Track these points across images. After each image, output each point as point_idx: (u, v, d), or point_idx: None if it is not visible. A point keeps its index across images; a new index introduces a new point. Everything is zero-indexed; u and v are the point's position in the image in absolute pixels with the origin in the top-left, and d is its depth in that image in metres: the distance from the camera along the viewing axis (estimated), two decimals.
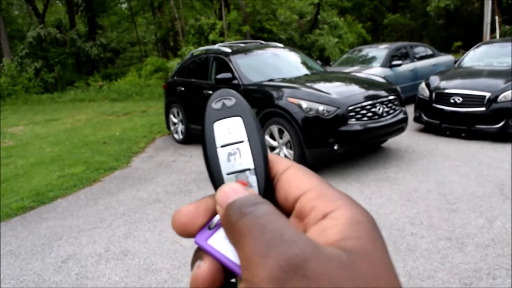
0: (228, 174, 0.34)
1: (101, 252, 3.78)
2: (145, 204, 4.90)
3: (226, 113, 0.36)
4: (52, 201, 5.31)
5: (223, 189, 0.32)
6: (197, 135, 7.50)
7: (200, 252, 0.32)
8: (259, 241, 0.26)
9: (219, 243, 0.31)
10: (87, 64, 23.18)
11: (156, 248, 3.76)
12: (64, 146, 8.42)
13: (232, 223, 0.28)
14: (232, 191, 0.31)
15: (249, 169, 0.34)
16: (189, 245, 3.76)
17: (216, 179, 0.34)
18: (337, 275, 0.24)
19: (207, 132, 0.35)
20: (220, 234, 0.32)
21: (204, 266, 0.30)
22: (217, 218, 0.33)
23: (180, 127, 7.84)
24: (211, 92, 6.76)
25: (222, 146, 0.35)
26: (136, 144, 8.00)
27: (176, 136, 8.02)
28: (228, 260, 0.30)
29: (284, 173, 0.34)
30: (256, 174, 0.34)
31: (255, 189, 0.34)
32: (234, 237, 0.28)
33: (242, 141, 0.35)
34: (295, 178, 0.33)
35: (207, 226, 0.33)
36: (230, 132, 0.35)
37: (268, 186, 0.34)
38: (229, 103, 0.36)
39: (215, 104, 0.36)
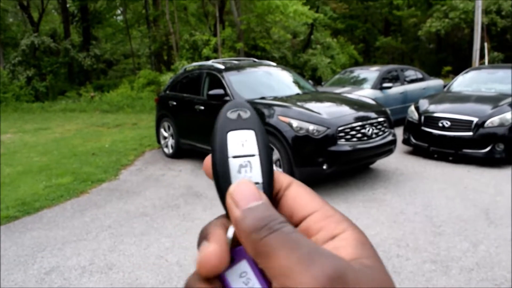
0: None
1: (85, 265, 3.74)
2: (132, 217, 4.87)
3: (241, 124, 0.36)
4: (38, 211, 5.25)
5: (240, 185, 0.33)
6: (187, 150, 7.50)
7: (206, 232, 0.33)
8: (298, 253, 0.28)
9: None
10: (80, 74, 23.13)
11: (141, 263, 3.73)
12: (53, 156, 8.36)
13: (260, 238, 0.29)
14: (250, 192, 0.32)
15: (257, 183, 0.34)
16: (175, 260, 3.74)
17: (225, 189, 0.34)
18: (370, 283, 0.28)
19: (220, 141, 0.35)
20: (239, 268, 0.32)
21: (213, 247, 0.32)
22: (229, 234, 0.33)
23: (171, 141, 7.84)
24: (202, 107, 6.79)
25: (234, 157, 0.35)
26: (126, 156, 7.97)
27: (166, 150, 8.01)
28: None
29: (288, 189, 0.35)
30: (264, 188, 0.34)
31: None
32: (262, 250, 0.29)
33: (253, 155, 0.35)
34: (300, 197, 0.35)
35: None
36: (243, 145, 0.35)
37: (272, 200, 0.34)
38: (244, 115, 0.36)
39: (230, 114, 0.36)
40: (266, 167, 0.35)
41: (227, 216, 0.34)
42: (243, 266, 0.32)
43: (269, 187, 0.35)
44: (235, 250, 0.33)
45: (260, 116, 5.60)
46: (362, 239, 0.31)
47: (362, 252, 0.30)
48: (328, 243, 0.31)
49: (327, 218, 0.33)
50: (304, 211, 0.34)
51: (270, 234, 0.29)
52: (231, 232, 0.33)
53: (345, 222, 0.32)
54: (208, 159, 0.36)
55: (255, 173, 0.34)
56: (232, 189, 0.33)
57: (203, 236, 0.33)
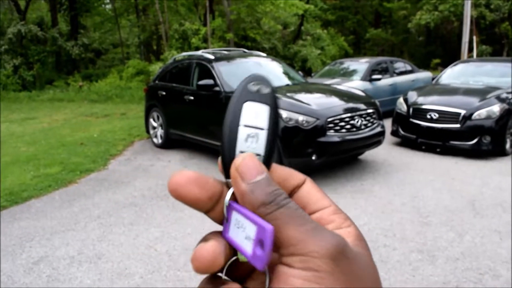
0: (241, 152, 0.36)
1: (74, 255, 3.73)
2: (121, 207, 4.86)
3: (259, 98, 0.37)
4: (26, 201, 5.22)
5: (245, 159, 0.35)
6: (177, 140, 7.48)
7: (206, 236, 0.36)
8: (305, 226, 0.31)
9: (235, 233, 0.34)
10: (68, 63, 22.84)
11: (130, 252, 3.74)
12: (40, 145, 8.29)
13: (270, 210, 0.32)
14: (255, 166, 0.34)
15: (259, 155, 0.36)
16: (164, 250, 3.75)
17: (228, 151, 0.36)
18: (365, 262, 0.33)
19: (235, 108, 0.37)
20: (234, 222, 0.35)
21: (209, 244, 0.34)
22: (227, 198, 0.35)
23: (160, 132, 7.81)
24: (192, 97, 6.76)
25: (245, 126, 0.36)
26: (114, 146, 7.93)
27: (155, 140, 7.98)
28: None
29: (303, 185, 0.39)
30: (264, 161, 0.36)
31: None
32: (271, 222, 0.32)
33: (263, 129, 0.37)
34: (314, 193, 0.38)
35: (225, 219, 0.36)
36: (256, 117, 0.37)
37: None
38: (265, 90, 0.37)
39: (252, 86, 0.37)
40: (271, 144, 0.37)
41: (226, 177, 0.36)
42: (235, 217, 0.35)
43: (268, 161, 0.37)
44: (228, 208, 0.35)
45: None
46: (361, 236, 0.36)
47: (360, 244, 0.34)
48: (336, 231, 0.35)
49: (337, 214, 0.37)
50: (316, 205, 0.37)
51: (278, 209, 0.32)
52: (228, 195, 0.35)
53: (349, 220, 0.37)
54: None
55: (260, 146, 0.36)
56: (238, 161, 0.35)
57: (202, 239, 0.36)
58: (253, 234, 0.32)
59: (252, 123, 0.36)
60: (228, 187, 0.36)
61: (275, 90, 0.38)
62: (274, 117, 0.37)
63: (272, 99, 0.37)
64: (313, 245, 0.31)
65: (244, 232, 0.33)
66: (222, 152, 0.36)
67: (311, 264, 0.30)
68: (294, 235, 0.31)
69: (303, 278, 0.30)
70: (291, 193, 0.38)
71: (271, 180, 0.34)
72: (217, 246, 0.34)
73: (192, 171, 0.36)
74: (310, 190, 0.38)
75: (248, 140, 0.36)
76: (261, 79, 0.38)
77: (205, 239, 0.35)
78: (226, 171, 0.36)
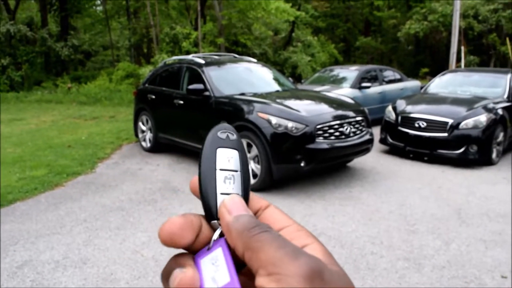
0: (222, 194, 0.39)
1: (59, 259, 3.68)
2: (107, 211, 4.82)
3: (229, 144, 0.41)
4: (11, 204, 5.14)
5: (233, 198, 0.38)
6: (165, 144, 7.45)
7: (180, 260, 0.37)
8: (285, 249, 0.33)
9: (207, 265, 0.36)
10: (57, 64, 22.64)
11: (117, 257, 3.70)
12: (27, 147, 8.19)
13: (253, 234, 0.34)
14: (241, 204, 0.38)
15: (238, 194, 0.39)
16: (150, 255, 3.72)
17: (210, 194, 0.39)
18: (339, 284, 0.33)
19: (209, 154, 0.40)
20: (213, 256, 0.37)
21: (190, 271, 0.35)
22: (215, 236, 0.38)
23: (149, 135, 7.77)
24: (182, 102, 6.74)
25: (221, 170, 0.40)
26: (102, 149, 7.87)
27: (143, 144, 7.93)
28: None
29: (267, 209, 0.42)
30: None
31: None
32: (254, 245, 0.34)
33: (236, 171, 0.40)
34: (276, 214, 0.41)
35: (207, 247, 0.38)
36: (229, 161, 0.40)
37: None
38: (232, 137, 0.42)
39: (220, 134, 0.41)
40: (246, 183, 0.41)
41: (206, 219, 0.39)
42: (217, 253, 0.36)
43: (246, 199, 0.40)
44: (215, 241, 0.37)
45: (239, 111, 5.61)
46: (326, 251, 0.37)
47: (329, 260, 0.36)
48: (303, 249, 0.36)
49: (299, 231, 0.39)
50: (279, 224, 0.40)
51: (261, 232, 0.34)
52: (216, 234, 0.38)
53: (312, 236, 0.38)
54: (195, 178, 0.41)
55: (237, 186, 0.40)
56: (226, 200, 0.38)
57: (176, 264, 0.37)
58: (222, 282, 0.34)
59: (227, 166, 0.40)
60: (214, 229, 0.38)
61: (240, 137, 0.43)
62: (244, 159, 0.41)
63: (239, 144, 0.42)
64: (291, 265, 0.31)
65: (215, 272, 0.35)
66: (204, 195, 0.39)
67: (285, 283, 0.31)
68: (275, 255, 0.32)
69: None
70: (256, 215, 0.41)
71: (255, 218, 0.37)
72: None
73: (178, 216, 0.37)
74: (273, 212, 0.41)
75: (226, 182, 0.39)
76: (228, 128, 0.42)
77: (179, 264, 0.37)
78: (210, 214, 0.39)
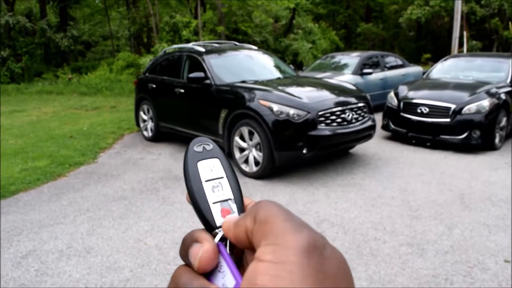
0: (214, 203, 0.40)
1: (63, 249, 3.70)
2: (110, 201, 4.83)
3: (207, 155, 0.43)
4: (14, 195, 5.15)
5: (228, 217, 0.39)
6: (167, 133, 7.44)
7: (194, 237, 0.38)
8: (289, 222, 0.32)
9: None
10: (57, 55, 22.52)
11: (120, 246, 3.71)
12: (29, 138, 8.19)
13: (263, 205, 0.35)
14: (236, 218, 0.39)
15: (230, 199, 0.41)
16: (154, 243, 3.73)
17: (203, 207, 0.40)
18: (341, 261, 0.32)
19: (191, 169, 0.42)
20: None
21: (207, 245, 0.37)
22: (216, 239, 0.39)
23: (150, 125, 7.75)
24: (182, 90, 6.72)
25: (207, 181, 0.41)
26: (104, 139, 7.86)
27: (145, 133, 7.92)
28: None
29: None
30: (236, 202, 0.41)
31: (236, 214, 0.41)
32: (263, 215, 0.34)
33: (222, 177, 0.42)
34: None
35: None
36: (212, 170, 0.42)
37: (243, 211, 0.41)
38: (208, 147, 0.43)
39: (196, 148, 0.43)
40: (235, 185, 0.42)
41: (207, 230, 0.40)
42: (220, 259, 0.37)
43: (240, 200, 0.42)
44: (218, 246, 0.38)
45: (241, 99, 5.59)
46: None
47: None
48: None
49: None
50: None
51: (271, 203, 0.35)
52: (218, 237, 0.39)
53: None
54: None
55: (226, 191, 0.41)
56: (223, 222, 0.39)
57: (192, 240, 0.38)
58: (231, 285, 0.35)
59: (211, 176, 0.42)
60: (214, 236, 0.39)
61: (216, 144, 0.44)
62: (227, 164, 0.43)
63: (217, 152, 0.44)
64: (292, 237, 0.31)
65: (223, 279, 0.36)
66: (199, 210, 0.40)
67: (281, 254, 0.30)
68: (279, 227, 0.32)
69: (271, 274, 0.30)
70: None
71: None
72: (214, 247, 0.37)
73: (207, 242, 0.38)
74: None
75: (215, 191, 0.41)
76: (201, 140, 0.44)
77: (196, 240, 0.38)
78: (209, 225, 0.40)
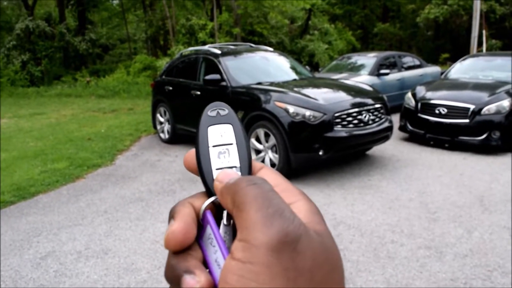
0: (217, 169, 0.39)
1: (81, 250, 3.74)
2: (127, 202, 4.87)
3: (220, 120, 0.42)
4: (33, 196, 5.25)
5: (224, 171, 0.38)
6: (183, 135, 7.48)
7: (173, 212, 0.37)
8: (264, 211, 0.30)
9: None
10: (75, 59, 22.90)
11: (137, 247, 3.74)
12: (48, 141, 8.33)
13: (240, 187, 0.33)
14: (233, 173, 0.37)
15: (235, 167, 0.39)
16: None
17: (206, 173, 0.39)
18: (317, 252, 0.30)
19: (201, 134, 0.41)
20: (207, 234, 0.36)
21: (176, 225, 0.35)
22: (203, 207, 0.37)
23: (167, 127, 7.81)
24: (199, 92, 6.75)
25: (214, 146, 0.40)
26: (121, 142, 7.95)
27: (162, 135, 7.98)
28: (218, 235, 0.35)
29: (258, 172, 0.40)
30: (241, 171, 0.39)
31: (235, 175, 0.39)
32: (238, 202, 0.32)
33: (231, 144, 0.41)
34: (266, 176, 0.39)
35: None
36: (222, 136, 0.41)
37: None
38: (223, 112, 0.42)
39: (210, 112, 0.42)
40: (243, 153, 0.40)
41: (208, 195, 0.38)
42: (209, 230, 0.36)
43: (246, 169, 0.40)
44: (204, 217, 0.37)
45: (256, 101, 5.59)
46: (313, 208, 0.35)
47: (313, 218, 0.34)
48: None
49: (285, 191, 0.36)
50: None
51: (249, 185, 0.33)
52: (206, 203, 0.37)
53: (299, 195, 0.36)
54: (188, 154, 0.42)
55: (233, 159, 0.40)
56: (218, 174, 0.37)
57: (171, 215, 0.37)
58: (222, 263, 0.33)
59: (219, 142, 0.40)
60: (214, 204, 0.38)
61: (232, 111, 0.43)
62: (239, 131, 0.42)
63: (232, 118, 0.42)
64: (261, 233, 0.29)
65: (215, 254, 0.34)
66: (202, 174, 0.39)
67: (249, 253, 0.29)
68: (252, 218, 0.30)
69: (239, 274, 0.29)
70: None
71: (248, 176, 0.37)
72: (184, 224, 0.35)
73: (176, 222, 0.36)
74: (264, 174, 0.40)
75: (220, 157, 0.40)
76: (217, 105, 0.43)
77: (172, 216, 0.36)
78: (209, 191, 0.38)
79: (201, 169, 0.39)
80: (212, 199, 0.37)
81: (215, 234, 0.35)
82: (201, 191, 0.40)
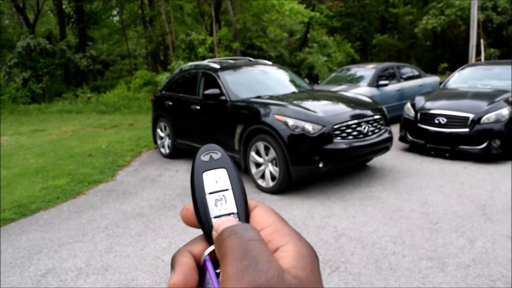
0: (215, 217, 0.39)
1: (82, 267, 3.73)
2: (128, 218, 4.86)
3: (214, 164, 0.42)
4: (34, 213, 5.24)
5: (221, 219, 0.38)
6: (184, 150, 7.50)
7: (173, 262, 0.38)
8: (238, 264, 0.31)
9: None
10: (76, 75, 23.05)
11: (138, 264, 3.72)
12: (49, 157, 8.34)
13: (222, 239, 0.34)
14: (227, 220, 0.38)
15: (233, 213, 0.40)
16: None
17: (205, 222, 0.39)
18: None
19: (197, 181, 0.41)
20: (206, 279, 0.38)
21: (175, 278, 0.36)
22: (205, 254, 0.38)
23: (167, 142, 7.83)
24: (198, 107, 6.78)
25: (210, 193, 0.40)
26: (122, 157, 7.96)
27: (162, 150, 7.99)
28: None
29: (252, 212, 0.41)
30: (239, 217, 0.40)
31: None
32: (221, 253, 0.34)
33: (227, 189, 0.41)
34: (259, 215, 0.40)
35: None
36: (217, 182, 0.41)
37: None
38: (215, 156, 0.42)
39: (203, 157, 0.42)
40: (239, 198, 0.40)
41: (208, 241, 0.39)
42: (207, 277, 0.37)
43: (243, 215, 0.40)
44: (204, 264, 0.38)
45: (256, 114, 5.61)
46: (301, 251, 0.35)
47: (298, 263, 0.34)
48: (273, 254, 0.35)
49: (275, 232, 0.37)
50: (259, 226, 0.39)
51: (229, 236, 0.34)
52: (206, 253, 0.38)
53: (290, 235, 0.37)
54: (184, 209, 0.42)
55: (230, 205, 0.40)
56: (215, 224, 0.38)
57: (171, 265, 0.38)
58: None
59: (215, 188, 0.40)
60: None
61: (225, 153, 0.43)
62: (234, 175, 0.42)
63: (225, 161, 0.42)
64: (232, 285, 0.30)
65: None
66: (200, 223, 0.40)
67: None
68: (227, 270, 0.32)
69: None
70: None
71: (236, 222, 0.37)
72: (183, 278, 0.37)
73: (177, 273, 0.37)
74: (257, 213, 0.40)
75: (218, 205, 0.40)
76: (210, 148, 0.43)
77: (172, 266, 0.38)
78: (209, 239, 0.39)
79: (200, 219, 0.40)
80: (211, 248, 0.38)
81: (213, 282, 0.36)
82: (200, 235, 0.40)
